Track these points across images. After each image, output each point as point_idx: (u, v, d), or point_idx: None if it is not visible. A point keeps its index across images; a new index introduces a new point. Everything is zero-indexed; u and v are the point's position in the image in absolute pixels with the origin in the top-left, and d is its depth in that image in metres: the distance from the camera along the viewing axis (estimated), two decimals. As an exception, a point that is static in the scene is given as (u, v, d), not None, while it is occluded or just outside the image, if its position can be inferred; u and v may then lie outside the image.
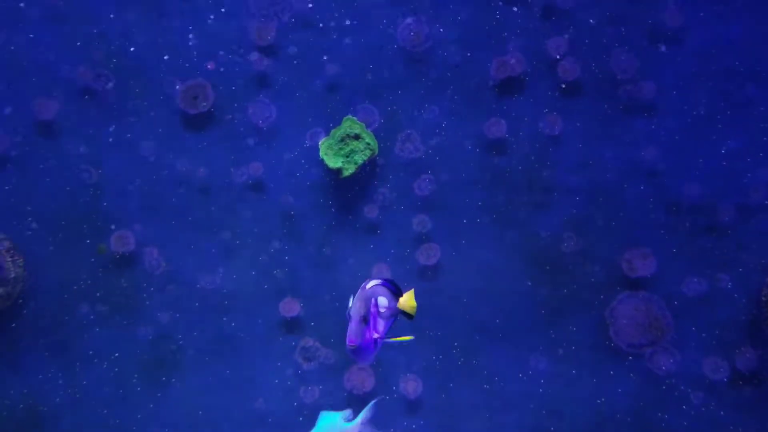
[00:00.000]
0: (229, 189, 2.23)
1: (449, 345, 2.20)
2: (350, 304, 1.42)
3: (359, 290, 1.44)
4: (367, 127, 2.18)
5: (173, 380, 2.21)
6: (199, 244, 2.23)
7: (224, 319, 2.23)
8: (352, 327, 1.40)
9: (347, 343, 1.39)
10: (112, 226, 2.18)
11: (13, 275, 2.09)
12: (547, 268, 2.19)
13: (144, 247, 2.20)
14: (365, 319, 1.40)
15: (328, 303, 2.24)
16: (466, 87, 2.19)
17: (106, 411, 2.18)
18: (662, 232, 2.17)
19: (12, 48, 2.16)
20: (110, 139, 2.19)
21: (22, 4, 2.14)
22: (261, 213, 2.24)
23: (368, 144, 2.15)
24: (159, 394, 2.21)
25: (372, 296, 1.44)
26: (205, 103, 2.18)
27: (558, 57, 2.12)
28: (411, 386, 2.19)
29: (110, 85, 2.17)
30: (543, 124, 2.18)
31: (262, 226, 2.25)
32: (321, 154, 2.16)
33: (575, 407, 2.17)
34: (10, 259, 2.09)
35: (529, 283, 2.19)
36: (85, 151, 2.19)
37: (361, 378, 2.21)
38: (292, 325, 2.23)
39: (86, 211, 2.20)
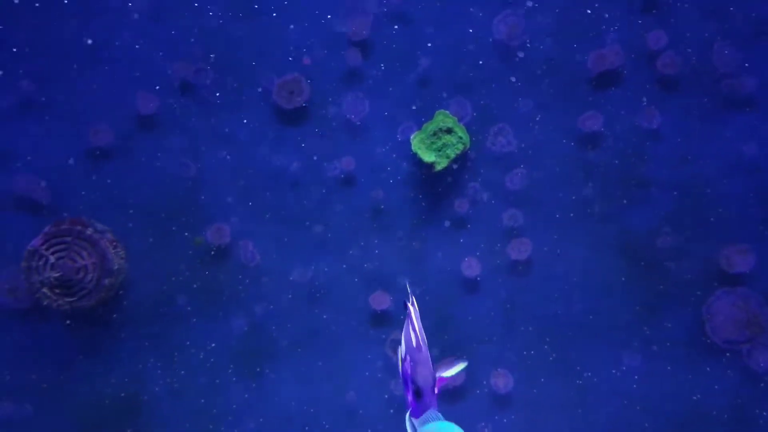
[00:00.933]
0: (321, 183, 2.26)
1: (541, 340, 2.20)
2: (401, 358, 1.28)
3: (414, 352, 1.28)
4: (460, 120, 2.18)
5: (267, 371, 2.26)
6: (291, 238, 2.27)
7: (316, 311, 2.27)
8: (428, 412, 1.23)
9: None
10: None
11: (116, 266, 2.15)
12: (642, 263, 2.17)
13: (239, 240, 2.25)
14: (434, 388, 1.28)
15: (418, 297, 2.23)
16: (562, 80, 2.18)
17: (203, 400, 2.24)
18: (762, 228, 2.13)
19: (117, 43, 2.21)
20: (208, 133, 2.24)
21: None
22: (352, 207, 2.27)
23: (460, 138, 2.16)
24: (253, 385, 2.25)
25: (428, 352, 1.29)
26: (300, 98, 2.22)
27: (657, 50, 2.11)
28: (501, 381, 2.20)
29: (209, 80, 2.22)
30: (640, 117, 2.16)
31: (353, 219, 2.27)
32: (414, 148, 2.17)
33: (670, 404, 2.15)
34: (113, 251, 2.16)
35: (624, 279, 2.18)
36: (184, 145, 2.24)
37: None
38: (383, 318, 2.25)
39: (184, 204, 2.25)
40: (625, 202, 2.18)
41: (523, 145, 2.20)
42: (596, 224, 2.19)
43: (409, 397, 1.27)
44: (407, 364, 1.28)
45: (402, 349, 1.32)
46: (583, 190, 2.19)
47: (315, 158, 2.25)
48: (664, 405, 2.16)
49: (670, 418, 2.16)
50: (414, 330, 1.30)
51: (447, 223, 2.24)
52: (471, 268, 2.22)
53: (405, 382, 1.28)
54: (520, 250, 2.21)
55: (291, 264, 2.27)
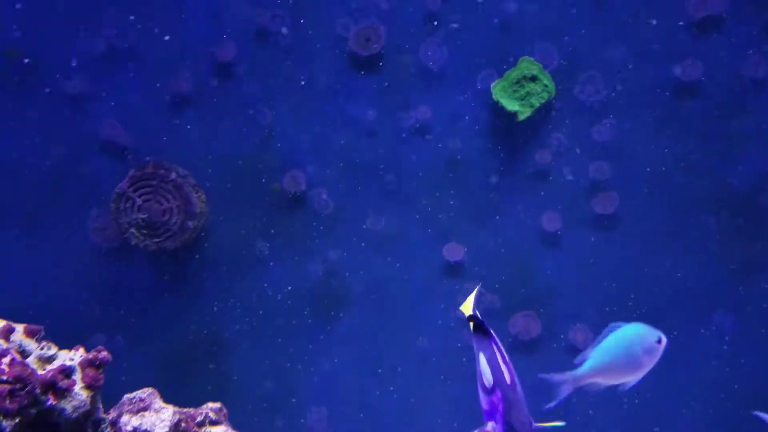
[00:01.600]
0: (396, 132, 2.22)
1: (624, 297, 2.13)
2: (487, 385, 1.18)
3: (507, 390, 1.17)
4: (545, 68, 2.08)
5: (341, 315, 2.31)
6: (365, 186, 2.26)
7: (388, 259, 2.27)
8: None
9: None
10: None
11: (198, 210, 2.22)
12: (740, 221, 2.05)
13: (314, 188, 2.27)
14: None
15: (493, 250, 2.22)
16: (659, 25, 2.03)
17: (280, 339, 2.32)
18: None
19: (192, -9, 2.21)
20: (284, 81, 2.22)
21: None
22: (427, 156, 2.22)
23: (546, 86, 2.06)
24: (328, 327, 2.31)
25: (522, 392, 1.19)
26: (376, 45, 2.16)
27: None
28: (580, 336, 2.17)
29: (285, 27, 2.19)
30: (743, 66, 1.99)
31: (428, 169, 2.23)
32: (495, 96, 2.09)
33: (762, 366, 2.07)
34: (195, 195, 2.22)
35: (718, 237, 2.07)
36: (260, 92, 2.24)
37: (527, 324, 2.20)
38: (456, 270, 2.24)
39: (261, 151, 2.27)
40: (723, 156, 2.04)
41: (613, 95, 2.07)
42: (690, 179, 2.07)
43: None
44: (497, 399, 1.18)
45: (487, 377, 1.20)
46: (678, 142, 2.07)
47: (390, 106, 2.20)
48: (757, 367, 2.08)
49: (763, 382, 2.07)
50: (505, 362, 1.19)
51: (528, 176, 2.18)
52: (552, 221, 2.16)
53: (490, 416, 1.18)
54: (606, 204, 2.12)
55: (364, 212, 2.26)
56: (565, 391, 1.45)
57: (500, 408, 1.17)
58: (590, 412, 2.16)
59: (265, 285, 2.33)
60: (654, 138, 2.07)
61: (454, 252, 2.23)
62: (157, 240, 2.20)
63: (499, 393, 1.18)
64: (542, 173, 2.15)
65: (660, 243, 2.09)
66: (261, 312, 2.33)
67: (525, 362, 2.20)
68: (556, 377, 1.48)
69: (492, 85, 2.10)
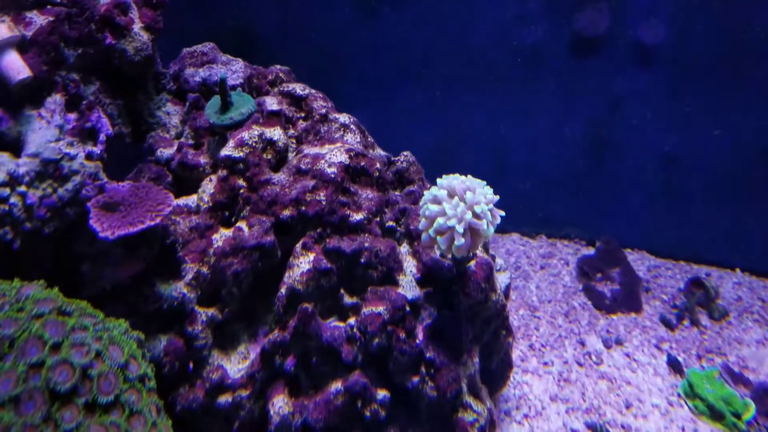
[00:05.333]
0: None
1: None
2: None
3: None
4: None
5: (387, 10, 2.05)
6: None
7: (444, -59, 1.98)
8: None
9: None
10: None
11: None
12: None
13: None
14: None
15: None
16: None
17: (313, 35, 2.09)
18: None
19: None
20: None
21: None
22: None
23: None
24: (371, 23, 2.07)
25: None
26: None
27: None
28: (651, 33, 1.99)
29: None
30: None
31: None
32: None
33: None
34: None
35: None
36: None
37: (594, 18, 2.00)
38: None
39: None
40: None
41: None
42: None
43: None
44: None
45: None
46: None
47: None
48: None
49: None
50: None
51: None
52: None
53: None
54: None
55: None
56: None
57: None
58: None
59: (300, -29, 2.03)
60: None
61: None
62: None
63: None
64: None
65: None
66: (295, 4, 2.05)
67: (581, 64, 2.05)
68: None
69: None
